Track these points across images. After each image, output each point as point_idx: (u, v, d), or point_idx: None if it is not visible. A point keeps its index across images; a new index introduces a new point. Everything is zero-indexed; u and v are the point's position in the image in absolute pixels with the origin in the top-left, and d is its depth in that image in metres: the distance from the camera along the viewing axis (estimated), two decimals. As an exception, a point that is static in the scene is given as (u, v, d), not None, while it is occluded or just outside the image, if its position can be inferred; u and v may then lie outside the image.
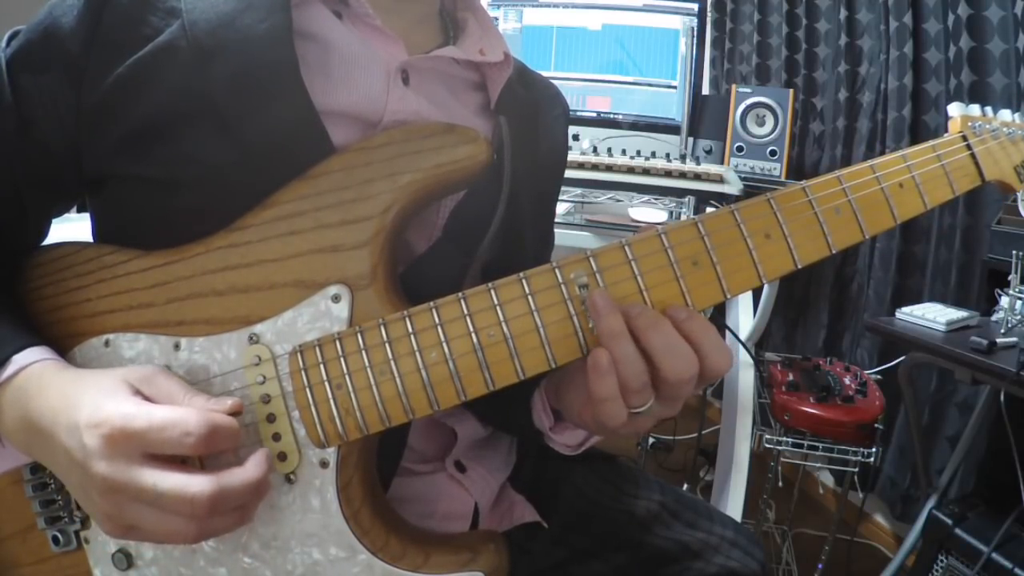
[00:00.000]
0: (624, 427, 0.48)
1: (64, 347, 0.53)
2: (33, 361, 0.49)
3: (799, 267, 0.49)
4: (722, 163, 1.77)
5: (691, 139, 1.83)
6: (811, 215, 0.49)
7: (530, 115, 0.67)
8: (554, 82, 0.76)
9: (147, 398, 0.45)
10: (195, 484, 0.41)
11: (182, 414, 0.42)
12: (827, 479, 2.02)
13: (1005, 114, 0.59)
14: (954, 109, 0.58)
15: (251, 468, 0.43)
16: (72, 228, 0.61)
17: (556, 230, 0.79)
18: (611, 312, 0.45)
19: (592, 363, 0.45)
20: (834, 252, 0.49)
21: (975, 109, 0.58)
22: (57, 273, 0.54)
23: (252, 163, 0.50)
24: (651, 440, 2.22)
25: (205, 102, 0.49)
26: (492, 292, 0.48)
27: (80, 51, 0.50)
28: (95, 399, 0.44)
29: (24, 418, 0.47)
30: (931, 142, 0.54)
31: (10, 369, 0.48)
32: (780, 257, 0.49)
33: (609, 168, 1.47)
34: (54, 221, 0.61)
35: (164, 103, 0.49)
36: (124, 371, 0.47)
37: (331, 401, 0.48)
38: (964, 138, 0.56)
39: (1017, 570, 1.10)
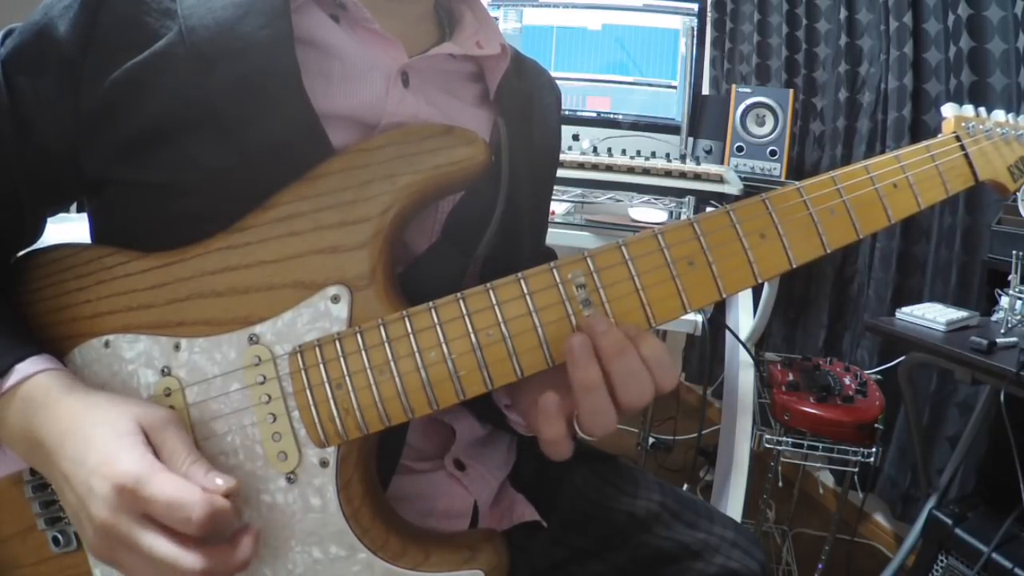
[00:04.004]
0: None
1: (64, 348, 0.53)
2: (37, 371, 0.49)
3: (794, 266, 0.49)
4: (722, 163, 1.77)
5: (691, 139, 1.83)
6: (806, 215, 0.50)
7: (524, 106, 0.67)
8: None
9: (153, 447, 0.45)
10: (188, 560, 0.42)
11: (190, 497, 0.42)
12: (827, 479, 2.02)
13: (999, 114, 0.59)
14: (948, 110, 0.58)
15: (242, 550, 0.45)
16: (72, 228, 0.61)
17: (556, 230, 0.80)
18: (589, 363, 0.46)
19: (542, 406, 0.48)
20: (828, 251, 0.50)
21: (968, 109, 0.58)
22: (57, 274, 0.54)
23: (253, 167, 0.51)
24: (651, 440, 2.22)
25: (206, 108, 0.49)
26: (491, 292, 0.48)
27: (76, 54, 0.50)
28: (109, 443, 0.44)
29: (27, 430, 0.47)
30: (925, 142, 0.55)
31: (13, 379, 0.48)
32: (775, 257, 0.49)
33: (609, 168, 1.47)
34: (53, 221, 0.61)
35: (164, 109, 0.50)
36: (138, 412, 0.47)
37: (331, 401, 0.48)
38: (958, 138, 0.56)
39: (1017, 570, 1.10)
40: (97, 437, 0.44)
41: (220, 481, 0.44)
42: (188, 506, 0.42)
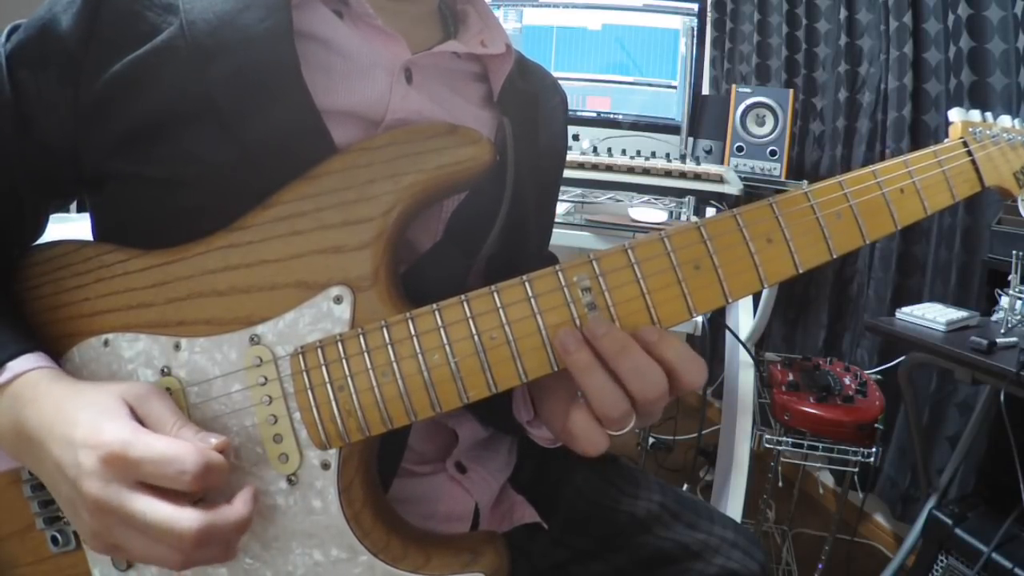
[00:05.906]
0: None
1: (63, 347, 0.53)
2: (29, 369, 0.49)
3: (800, 271, 0.49)
4: (722, 163, 1.76)
5: (691, 139, 1.83)
6: (813, 220, 0.49)
7: (530, 108, 0.67)
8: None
9: (139, 419, 0.45)
10: (184, 519, 0.41)
11: (180, 450, 0.42)
12: (827, 479, 2.02)
13: (1005, 120, 0.59)
14: (955, 115, 0.58)
15: (239, 507, 0.44)
16: (72, 227, 0.61)
17: (557, 230, 0.79)
18: (579, 347, 0.46)
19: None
20: (835, 257, 0.50)
21: (975, 115, 0.58)
22: (56, 272, 0.54)
23: (253, 162, 0.50)
24: (651, 440, 2.22)
25: (205, 102, 0.49)
26: (495, 295, 0.48)
27: (78, 48, 0.50)
28: (93, 418, 0.44)
29: (16, 425, 0.47)
30: (932, 148, 0.55)
31: (4, 376, 0.48)
32: (781, 261, 0.49)
33: (609, 168, 1.47)
34: (54, 220, 0.60)
35: (164, 103, 0.49)
36: (121, 388, 0.47)
37: (333, 402, 0.48)
38: (965, 144, 0.56)
39: (1017, 570, 1.10)
40: (82, 416, 0.44)
41: (212, 439, 0.44)
42: (180, 458, 0.41)
